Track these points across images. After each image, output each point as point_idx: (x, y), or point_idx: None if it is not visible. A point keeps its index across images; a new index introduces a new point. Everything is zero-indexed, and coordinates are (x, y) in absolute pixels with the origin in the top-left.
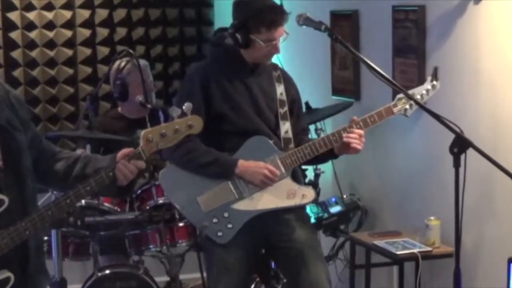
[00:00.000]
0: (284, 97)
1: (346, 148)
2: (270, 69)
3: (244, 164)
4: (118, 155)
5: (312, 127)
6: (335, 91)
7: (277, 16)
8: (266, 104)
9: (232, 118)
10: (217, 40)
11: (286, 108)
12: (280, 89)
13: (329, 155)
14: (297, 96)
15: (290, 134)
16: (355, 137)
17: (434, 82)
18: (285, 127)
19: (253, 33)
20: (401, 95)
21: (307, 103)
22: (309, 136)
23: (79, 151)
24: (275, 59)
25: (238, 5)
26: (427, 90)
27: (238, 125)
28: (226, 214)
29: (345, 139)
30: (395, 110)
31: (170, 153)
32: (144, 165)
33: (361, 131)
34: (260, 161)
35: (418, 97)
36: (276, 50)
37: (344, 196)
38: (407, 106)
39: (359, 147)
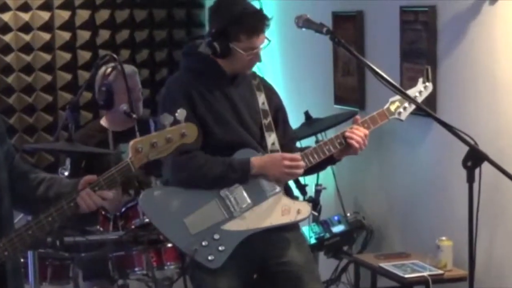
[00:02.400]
0: (266, 107)
1: (346, 149)
2: (249, 77)
3: (259, 162)
4: (80, 182)
5: (312, 139)
6: (338, 100)
7: (258, 22)
8: (250, 116)
9: (216, 131)
10: (190, 49)
11: (270, 119)
12: (261, 98)
13: (327, 160)
14: (280, 104)
15: (277, 146)
16: (359, 135)
17: (426, 83)
18: (271, 139)
19: (233, 41)
20: (394, 98)
21: (307, 113)
22: (296, 144)
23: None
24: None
25: (215, 11)
26: (420, 92)
27: (223, 139)
28: (216, 236)
29: (347, 133)
30: (388, 114)
31: (176, 172)
32: (111, 195)
33: (366, 131)
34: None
35: None
36: (257, 59)
37: (348, 215)
38: (401, 109)
39: (359, 145)
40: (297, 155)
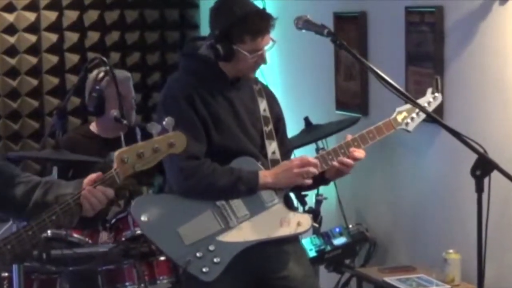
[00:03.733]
0: (267, 114)
1: (335, 172)
2: (251, 83)
3: (268, 174)
4: (85, 180)
5: (312, 147)
6: (340, 105)
7: (263, 23)
8: (250, 122)
9: (216, 136)
10: (190, 50)
11: (271, 126)
12: (263, 105)
13: (319, 179)
14: (281, 113)
15: (277, 155)
16: (348, 164)
17: (436, 94)
18: (272, 147)
19: (236, 43)
20: (401, 108)
21: (306, 119)
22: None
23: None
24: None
25: (217, 12)
26: (429, 103)
27: (222, 144)
28: (211, 247)
29: (335, 163)
30: (395, 124)
31: (181, 182)
32: (113, 194)
33: (361, 154)
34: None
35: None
36: (263, 60)
37: (350, 226)
38: (408, 120)
39: (346, 172)
40: (304, 157)
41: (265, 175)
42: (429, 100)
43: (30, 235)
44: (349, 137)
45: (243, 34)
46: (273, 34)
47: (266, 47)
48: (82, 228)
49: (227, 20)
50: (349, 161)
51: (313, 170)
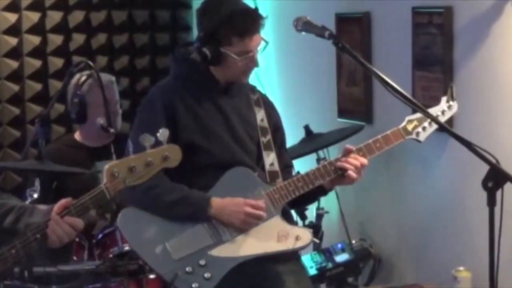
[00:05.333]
0: (265, 124)
1: (340, 178)
2: (247, 90)
3: (219, 203)
4: (55, 207)
5: (313, 157)
6: (342, 113)
7: (251, 21)
8: (245, 131)
9: (206, 148)
10: (181, 55)
11: (269, 137)
12: (260, 114)
13: (318, 190)
14: (280, 124)
15: (276, 167)
16: (353, 163)
17: (451, 102)
18: (270, 159)
19: (224, 45)
20: (412, 116)
21: (307, 127)
22: (293, 173)
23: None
24: (254, 78)
25: (202, 13)
26: (443, 112)
27: (214, 157)
28: (202, 262)
29: (339, 164)
30: (404, 133)
31: (128, 191)
32: (82, 226)
33: (364, 160)
34: (239, 197)
35: None
36: (253, 63)
37: (353, 242)
38: (420, 129)
39: (354, 175)
40: (261, 202)
41: (212, 205)
42: (443, 109)
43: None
44: (349, 148)
45: (230, 35)
46: (271, 36)
47: (257, 49)
48: (50, 261)
49: (212, 20)
50: (351, 160)
51: (255, 221)
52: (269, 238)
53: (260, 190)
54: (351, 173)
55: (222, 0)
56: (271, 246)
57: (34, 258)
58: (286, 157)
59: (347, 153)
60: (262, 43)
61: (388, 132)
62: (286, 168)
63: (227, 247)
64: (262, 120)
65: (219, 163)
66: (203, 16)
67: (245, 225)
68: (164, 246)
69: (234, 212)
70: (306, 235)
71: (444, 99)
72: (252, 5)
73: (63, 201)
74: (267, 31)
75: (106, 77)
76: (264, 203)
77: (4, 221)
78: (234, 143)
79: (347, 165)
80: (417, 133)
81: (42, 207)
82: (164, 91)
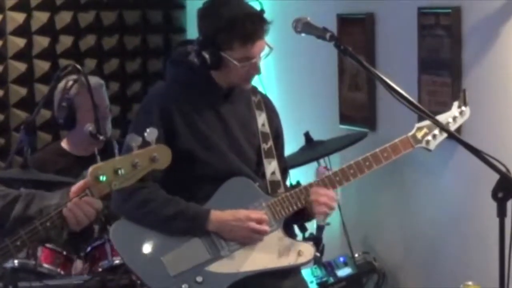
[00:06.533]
0: (267, 129)
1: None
2: (248, 93)
3: (219, 217)
4: (72, 189)
5: (313, 166)
6: (344, 119)
7: (254, 26)
8: (246, 139)
9: (203, 158)
10: (179, 57)
11: (270, 143)
12: (261, 118)
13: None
14: (280, 129)
15: (278, 176)
16: (323, 194)
17: (463, 108)
18: (271, 167)
19: (225, 50)
20: (421, 124)
21: (307, 134)
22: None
23: None
24: (256, 81)
25: (203, 14)
26: (454, 118)
27: (212, 167)
28: (199, 279)
29: (312, 196)
30: (414, 142)
31: (119, 204)
32: (101, 206)
33: (331, 194)
34: (240, 209)
35: None
36: (255, 70)
37: (356, 255)
38: (430, 137)
39: (324, 210)
40: (264, 214)
41: (212, 219)
42: (455, 115)
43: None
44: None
45: (232, 40)
46: (269, 38)
47: (260, 55)
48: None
49: (214, 23)
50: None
51: (260, 237)
52: (269, 253)
53: (260, 202)
54: (321, 208)
55: (225, 1)
56: (271, 261)
57: (58, 240)
58: (284, 162)
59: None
60: (266, 49)
61: (396, 140)
62: (283, 171)
63: (226, 263)
64: (263, 124)
65: (217, 173)
66: (204, 18)
67: (248, 241)
68: (159, 261)
69: (236, 227)
70: (308, 250)
71: (455, 104)
72: (257, 6)
73: (81, 183)
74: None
75: (93, 79)
76: (266, 215)
77: (12, 211)
78: (233, 152)
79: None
80: (427, 142)
81: (51, 193)
82: (160, 96)
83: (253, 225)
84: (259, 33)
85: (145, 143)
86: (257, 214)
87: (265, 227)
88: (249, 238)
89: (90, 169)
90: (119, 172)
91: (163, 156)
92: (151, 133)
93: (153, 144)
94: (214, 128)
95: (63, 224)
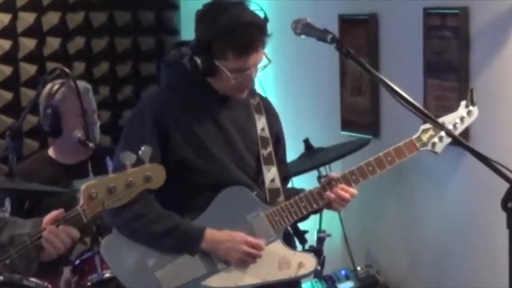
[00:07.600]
0: (267, 134)
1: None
2: (247, 96)
3: (214, 237)
4: (45, 219)
5: (313, 174)
6: (346, 125)
7: (251, 38)
8: (244, 145)
9: (199, 167)
10: (173, 59)
11: (270, 149)
12: (261, 123)
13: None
14: (281, 133)
15: (277, 183)
16: (340, 196)
17: (470, 108)
18: (271, 174)
19: (218, 58)
20: (426, 126)
21: (307, 141)
22: (289, 185)
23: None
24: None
25: (201, 18)
26: (462, 118)
27: (209, 176)
28: None
29: (328, 195)
30: (419, 145)
31: (112, 216)
32: (78, 235)
33: (353, 191)
34: (237, 232)
35: (450, 127)
36: (248, 82)
37: (358, 268)
38: (436, 140)
39: (340, 208)
40: (261, 242)
41: (206, 238)
42: (462, 115)
43: None
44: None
45: (226, 50)
46: (268, 39)
47: (256, 67)
48: (42, 275)
49: (210, 30)
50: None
51: (253, 260)
52: (269, 265)
53: (259, 212)
54: (336, 206)
55: (224, 7)
56: (271, 274)
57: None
58: (285, 168)
59: (328, 181)
60: (264, 60)
61: (401, 143)
62: (284, 179)
63: (223, 277)
64: (263, 129)
65: (214, 182)
66: (202, 22)
67: (241, 263)
68: (153, 276)
69: (230, 249)
70: (310, 262)
71: (463, 103)
72: (261, 15)
73: (55, 213)
74: None
75: (81, 84)
76: (264, 244)
77: None
78: (231, 160)
79: (333, 196)
80: (433, 144)
81: (23, 220)
82: (154, 102)
83: (248, 249)
84: (256, 45)
85: (139, 161)
86: (254, 239)
87: (259, 253)
88: (242, 261)
89: (83, 186)
90: (113, 190)
91: (157, 176)
92: (145, 151)
93: (147, 163)
94: (211, 135)
95: (38, 254)
